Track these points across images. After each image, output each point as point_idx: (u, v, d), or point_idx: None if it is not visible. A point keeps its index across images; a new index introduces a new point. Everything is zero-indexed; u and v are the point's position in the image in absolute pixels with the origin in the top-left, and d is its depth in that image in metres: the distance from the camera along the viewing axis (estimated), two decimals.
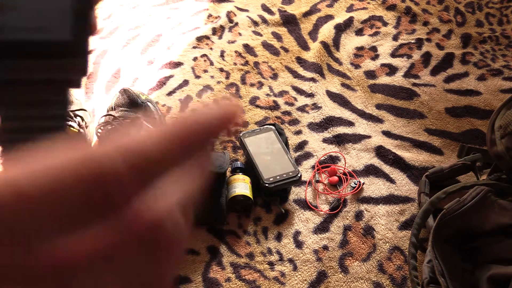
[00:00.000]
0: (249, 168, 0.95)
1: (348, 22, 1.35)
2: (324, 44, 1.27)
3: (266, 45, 1.28)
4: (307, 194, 0.95)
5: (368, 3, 1.42)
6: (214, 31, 1.31)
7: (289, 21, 1.36)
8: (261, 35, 1.31)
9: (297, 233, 0.90)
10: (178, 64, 1.22)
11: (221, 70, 1.20)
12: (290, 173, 0.92)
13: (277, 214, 0.92)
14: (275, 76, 1.20)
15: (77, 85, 0.18)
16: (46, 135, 0.17)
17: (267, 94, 1.15)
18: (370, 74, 1.21)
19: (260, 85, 1.17)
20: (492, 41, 1.30)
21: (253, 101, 1.13)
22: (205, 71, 1.20)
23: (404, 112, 1.12)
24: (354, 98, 1.15)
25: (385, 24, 1.36)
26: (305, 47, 1.28)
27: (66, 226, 0.15)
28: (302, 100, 1.14)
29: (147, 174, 0.16)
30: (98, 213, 0.15)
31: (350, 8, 1.41)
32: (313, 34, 1.32)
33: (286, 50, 1.27)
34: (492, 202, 0.80)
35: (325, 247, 0.88)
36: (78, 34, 0.17)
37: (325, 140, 1.05)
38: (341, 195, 0.95)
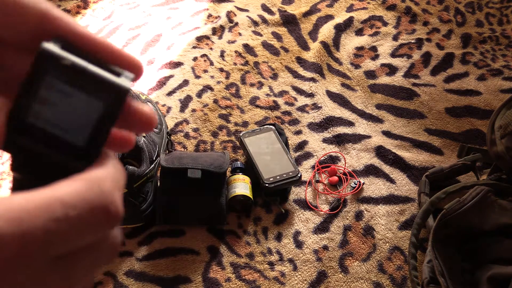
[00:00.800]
0: (249, 168, 0.95)
1: (348, 22, 1.35)
2: (324, 44, 1.27)
3: (266, 45, 1.28)
4: (307, 194, 0.95)
5: (368, 3, 1.42)
6: (214, 31, 1.31)
7: (289, 21, 1.36)
8: (261, 35, 1.31)
9: (297, 233, 0.90)
10: (178, 64, 1.22)
11: (221, 70, 1.20)
12: (290, 173, 0.92)
13: (277, 214, 0.92)
14: (275, 76, 1.20)
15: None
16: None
17: (267, 94, 1.15)
18: (370, 74, 1.21)
19: (260, 85, 1.17)
20: (492, 41, 1.30)
21: (253, 101, 1.13)
22: (205, 71, 1.20)
23: (404, 112, 1.12)
24: (354, 98, 1.15)
25: (385, 24, 1.36)
26: (305, 47, 1.28)
27: None
28: (302, 100, 1.14)
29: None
30: None
31: (350, 8, 1.41)
32: (313, 34, 1.32)
33: (286, 50, 1.27)
34: (492, 202, 0.80)
35: (325, 247, 0.88)
36: (91, 144, 0.20)
37: (325, 140, 1.05)
38: (341, 195, 0.95)
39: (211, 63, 1.22)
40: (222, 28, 1.32)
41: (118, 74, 0.20)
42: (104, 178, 0.19)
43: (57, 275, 0.18)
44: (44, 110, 0.19)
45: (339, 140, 1.05)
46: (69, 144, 0.20)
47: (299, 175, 0.92)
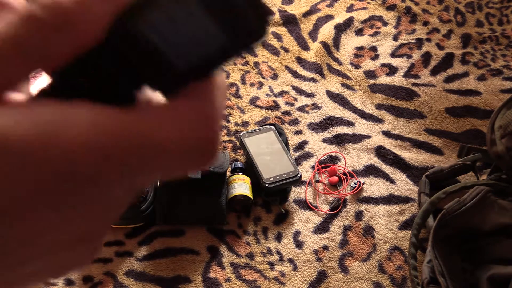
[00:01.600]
0: (249, 168, 0.95)
1: (348, 22, 1.35)
2: (324, 44, 1.27)
3: (266, 45, 1.28)
4: (307, 194, 0.95)
5: (368, 3, 1.42)
6: None
7: (289, 21, 1.36)
8: None
9: (297, 233, 0.90)
10: None
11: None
12: (290, 173, 0.92)
13: (277, 214, 0.92)
14: (275, 76, 1.20)
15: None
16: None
17: (267, 94, 1.15)
18: (370, 74, 1.21)
19: (260, 85, 1.17)
20: (492, 41, 1.30)
21: (253, 101, 1.13)
22: None
23: (404, 112, 1.12)
24: (354, 98, 1.15)
25: (385, 24, 1.36)
26: (305, 47, 1.28)
27: None
28: (302, 100, 1.14)
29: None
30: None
31: (350, 8, 1.41)
32: (313, 34, 1.32)
33: (286, 50, 1.27)
34: (492, 202, 0.80)
35: (325, 247, 0.88)
36: (193, 74, 0.17)
37: (325, 140, 1.05)
38: (341, 195, 0.95)
39: None
40: None
41: (261, 14, 0.16)
42: (211, 116, 0.16)
43: (125, 199, 0.16)
44: (159, 20, 0.16)
45: (339, 140, 1.05)
46: (170, 64, 0.16)
47: (299, 175, 0.92)
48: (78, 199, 0.14)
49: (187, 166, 0.16)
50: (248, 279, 0.83)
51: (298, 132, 1.07)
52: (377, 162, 1.01)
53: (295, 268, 0.85)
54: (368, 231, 0.90)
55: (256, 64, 1.22)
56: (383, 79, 1.20)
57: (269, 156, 0.96)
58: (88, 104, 0.14)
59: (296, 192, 0.96)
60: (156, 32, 0.16)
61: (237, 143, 1.03)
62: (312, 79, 1.18)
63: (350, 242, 0.88)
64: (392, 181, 0.98)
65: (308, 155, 1.02)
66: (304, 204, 0.94)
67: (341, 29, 1.33)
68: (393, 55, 1.26)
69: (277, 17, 1.37)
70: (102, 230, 0.17)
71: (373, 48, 1.28)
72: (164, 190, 0.88)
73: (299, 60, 1.24)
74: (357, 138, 1.06)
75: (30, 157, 0.13)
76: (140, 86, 0.17)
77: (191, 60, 0.16)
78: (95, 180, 0.14)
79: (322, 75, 1.20)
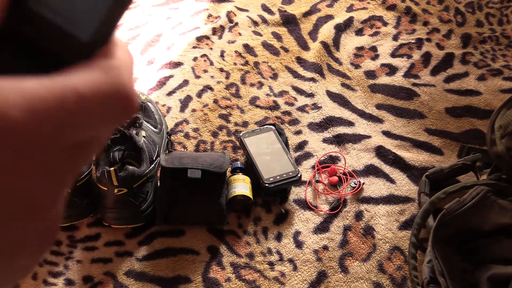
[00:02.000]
0: (249, 168, 0.95)
1: (348, 22, 1.35)
2: (324, 44, 1.27)
3: (266, 45, 1.28)
4: (307, 194, 0.95)
5: (368, 3, 1.42)
6: (214, 31, 1.31)
7: (289, 21, 1.36)
8: (261, 35, 1.31)
9: (297, 233, 0.90)
10: (178, 64, 1.22)
11: (221, 70, 1.20)
12: (290, 173, 0.92)
13: (277, 214, 0.92)
14: (275, 76, 1.20)
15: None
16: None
17: (267, 94, 1.15)
18: (370, 74, 1.21)
19: (260, 85, 1.17)
20: (492, 41, 1.30)
21: (253, 101, 1.13)
22: (205, 71, 1.20)
23: (404, 112, 1.12)
24: (354, 98, 1.15)
25: (385, 24, 1.36)
26: (305, 47, 1.28)
27: None
28: (302, 100, 1.14)
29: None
30: None
31: (350, 8, 1.41)
32: (313, 34, 1.32)
33: (286, 50, 1.27)
34: (492, 202, 0.80)
35: (325, 247, 0.88)
36: (96, 40, 0.18)
37: (325, 140, 1.05)
38: (341, 195, 0.95)
39: (211, 63, 1.22)
40: (222, 28, 1.32)
41: None
42: (120, 68, 0.17)
43: (69, 162, 0.17)
44: None
45: (339, 140, 1.05)
46: (72, 37, 0.17)
47: (299, 175, 0.92)
48: (16, 158, 0.15)
49: (113, 116, 0.17)
50: (248, 279, 0.83)
51: (298, 132, 1.07)
52: (377, 162, 1.01)
53: (295, 268, 0.85)
54: (368, 231, 0.90)
55: (256, 64, 1.22)
56: (383, 79, 1.20)
57: (269, 156, 0.96)
58: (9, 76, 0.15)
59: (296, 192, 0.96)
60: (48, 8, 0.17)
61: (237, 143, 1.03)
62: (312, 79, 1.18)
63: (350, 242, 0.88)
64: (392, 181, 0.98)
65: (308, 155, 1.02)
66: (304, 204, 0.94)
67: (341, 29, 1.33)
68: (393, 55, 1.26)
69: (277, 17, 1.37)
70: (51, 200, 0.17)
71: (373, 48, 1.28)
72: (164, 190, 0.88)
73: (299, 60, 1.24)
74: (357, 138, 1.06)
75: None
76: (49, 57, 0.18)
77: (89, 27, 0.18)
78: (31, 138, 0.15)
79: (322, 75, 1.20)
